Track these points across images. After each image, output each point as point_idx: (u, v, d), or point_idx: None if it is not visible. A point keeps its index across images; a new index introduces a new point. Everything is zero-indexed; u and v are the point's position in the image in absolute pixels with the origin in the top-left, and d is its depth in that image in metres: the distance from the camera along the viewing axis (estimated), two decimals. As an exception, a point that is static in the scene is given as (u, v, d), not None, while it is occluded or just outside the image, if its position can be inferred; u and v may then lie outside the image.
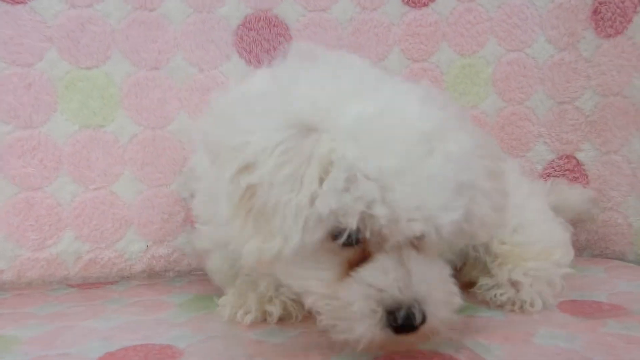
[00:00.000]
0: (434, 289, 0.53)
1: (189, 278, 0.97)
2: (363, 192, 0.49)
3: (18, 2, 0.90)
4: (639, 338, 0.61)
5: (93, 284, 0.94)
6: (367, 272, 0.53)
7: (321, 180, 0.50)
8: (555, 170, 1.07)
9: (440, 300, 0.54)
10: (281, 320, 0.69)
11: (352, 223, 0.49)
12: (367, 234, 0.51)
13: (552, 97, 1.07)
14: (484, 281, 0.75)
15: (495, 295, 0.73)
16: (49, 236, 0.93)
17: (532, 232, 0.77)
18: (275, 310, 0.69)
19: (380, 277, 0.52)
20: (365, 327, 0.51)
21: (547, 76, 1.07)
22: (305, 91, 0.54)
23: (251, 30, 0.99)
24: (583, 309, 0.71)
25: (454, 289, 0.56)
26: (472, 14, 1.06)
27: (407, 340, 0.53)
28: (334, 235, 0.52)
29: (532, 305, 0.71)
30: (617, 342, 0.60)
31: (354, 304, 0.52)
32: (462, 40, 1.07)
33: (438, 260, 0.58)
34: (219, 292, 0.76)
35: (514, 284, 0.72)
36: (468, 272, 0.79)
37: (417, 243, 0.55)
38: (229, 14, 0.98)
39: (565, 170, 1.07)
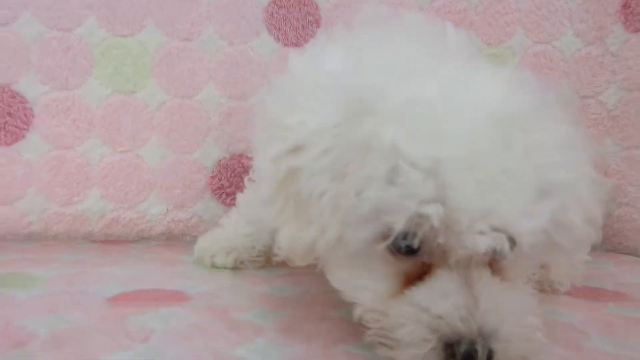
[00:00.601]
0: (508, 322, 0.42)
1: (206, 243, 1.00)
2: (411, 186, 0.40)
3: (63, -30, 0.95)
4: (638, 318, 0.61)
5: (114, 241, 0.98)
6: (423, 292, 0.44)
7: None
8: (575, 165, 1.07)
9: (515, 336, 0.42)
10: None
11: (398, 223, 0.41)
12: (417, 242, 0.43)
13: (577, 90, 1.07)
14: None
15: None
16: (77, 193, 0.98)
17: None
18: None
19: (438, 300, 0.42)
20: (414, 356, 0.42)
21: (573, 69, 1.07)
22: (372, 67, 0.48)
23: (282, 8, 1.02)
24: (587, 293, 0.72)
25: (536, 322, 0.44)
26: (501, 4, 1.07)
27: None
28: (385, 239, 0.43)
29: (560, 285, 0.70)
30: (615, 321, 0.60)
31: (403, 327, 0.43)
32: (489, 30, 1.07)
33: (519, 283, 0.48)
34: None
35: (543, 265, 0.69)
36: None
37: (491, 261, 0.45)
38: (260, -9, 1.01)
39: (586, 164, 1.06)
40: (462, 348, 0.40)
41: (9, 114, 0.95)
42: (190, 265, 0.81)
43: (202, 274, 0.76)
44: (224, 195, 1.02)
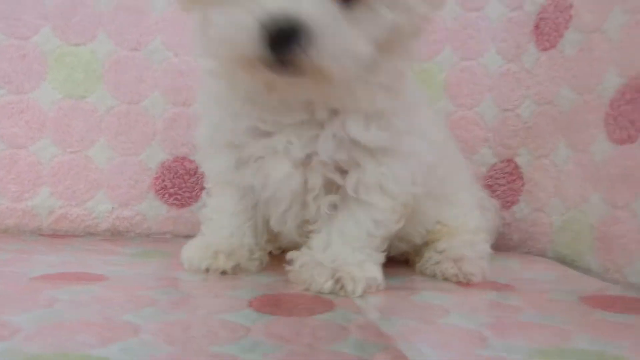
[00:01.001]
0: (325, 20, 0.53)
1: (148, 239, 1.07)
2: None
3: (18, -18, 1.04)
4: (504, 303, 0.69)
5: (62, 236, 1.05)
6: None
7: None
8: (497, 173, 1.16)
9: (330, 32, 0.53)
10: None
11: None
12: None
13: (498, 104, 1.16)
14: (429, 254, 0.83)
15: (443, 269, 0.80)
16: (27, 190, 1.05)
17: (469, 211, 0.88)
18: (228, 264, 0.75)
19: None
20: (240, 39, 0.53)
21: (496, 85, 1.16)
22: None
23: (224, 23, 1.10)
24: (478, 285, 0.79)
25: (358, 40, 0.56)
26: (429, 24, 1.16)
27: (289, 63, 0.53)
28: None
29: (473, 275, 0.79)
30: (480, 304, 0.68)
31: (233, 17, 0.54)
32: (418, 47, 1.16)
33: (358, 33, 0.57)
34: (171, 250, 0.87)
35: (458, 259, 0.80)
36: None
37: None
38: (204, 7, 1.10)
39: (505, 173, 1.15)
40: (273, 26, 0.52)
41: (-35, 114, 1.03)
42: (124, 257, 0.88)
43: (130, 262, 0.83)
44: (166, 196, 1.09)
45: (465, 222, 0.87)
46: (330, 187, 0.71)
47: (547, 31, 1.06)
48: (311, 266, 0.70)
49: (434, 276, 0.81)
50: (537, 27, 1.09)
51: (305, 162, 0.68)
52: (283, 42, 0.52)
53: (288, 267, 0.73)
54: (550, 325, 0.60)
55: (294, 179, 0.69)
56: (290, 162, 0.68)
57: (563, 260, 0.97)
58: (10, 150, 1.04)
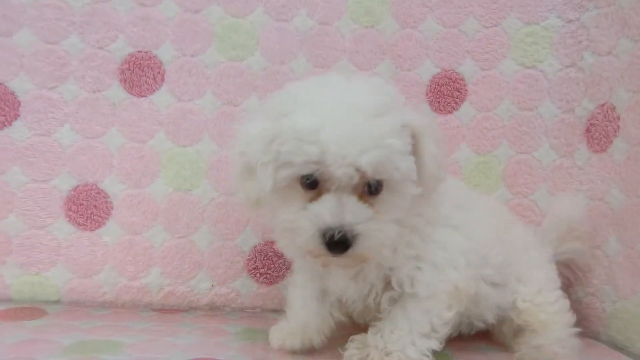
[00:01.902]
0: (366, 225, 0.72)
1: (242, 313, 1.23)
2: (305, 146, 0.71)
3: (141, 96, 1.23)
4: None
5: (169, 310, 1.22)
6: (313, 204, 0.74)
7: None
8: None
9: (367, 235, 0.72)
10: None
11: (301, 167, 0.73)
12: (313, 179, 0.74)
13: (552, 194, 1.29)
14: (526, 349, 0.96)
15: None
16: (142, 270, 1.23)
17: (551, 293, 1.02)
18: (317, 340, 0.93)
19: (320, 206, 0.73)
20: (304, 239, 0.73)
21: (549, 176, 1.29)
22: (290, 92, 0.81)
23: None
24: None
25: (391, 229, 0.76)
26: (488, 122, 1.31)
27: (341, 260, 0.74)
28: (300, 180, 0.75)
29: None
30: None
31: (299, 221, 0.74)
32: (478, 142, 1.31)
33: (387, 218, 0.76)
34: (263, 326, 1.02)
35: (555, 355, 0.94)
36: (501, 332, 1.02)
37: (366, 196, 0.75)
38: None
39: (560, 257, 1.26)
40: (329, 233, 0.71)
41: (95, 206, 1.22)
42: (231, 336, 1.04)
43: (241, 344, 0.99)
44: (257, 275, 1.26)
45: (545, 299, 1.00)
46: (387, 284, 0.87)
47: (597, 136, 1.19)
48: (366, 348, 0.86)
49: None
50: (587, 130, 1.22)
51: (356, 276, 0.86)
52: (336, 245, 0.72)
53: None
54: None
55: (351, 288, 0.88)
56: (345, 276, 0.87)
57: (615, 345, 1.08)
58: (129, 236, 1.22)
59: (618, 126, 1.12)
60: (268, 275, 1.26)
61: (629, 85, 1.10)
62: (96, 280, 1.21)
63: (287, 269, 1.26)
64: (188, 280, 1.24)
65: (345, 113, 0.74)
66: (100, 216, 1.22)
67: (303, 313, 0.94)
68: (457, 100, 1.31)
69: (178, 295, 1.24)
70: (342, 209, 0.72)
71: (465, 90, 1.31)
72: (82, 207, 1.22)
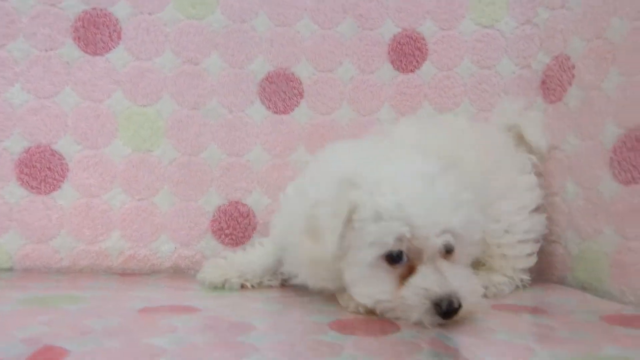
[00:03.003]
0: (464, 284, 0.76)
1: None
2: (390, 222, 0.75)
3: (97, 54, 1.19)
4: (540, 324, 0.82)
5: (131, 274, 1.18)
6: (415, 279, 0.76)
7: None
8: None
9: (469, 290, 0.76)
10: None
11: (388, 245, 0.75)
12: (403, 254, 0.76)
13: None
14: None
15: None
16: (101, 234, 1.18)
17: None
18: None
19: (424, 280, 0.75)
20: (418, 314, 0.75)
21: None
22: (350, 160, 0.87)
23: (272, 83, 1.26)
24: (509, 307, 0.92)
25: (477, 282, 0.81)
26: (449, 80, 1.32)
27: (452, 321, 0.76)
28: (387, 257, 0.77)
29: (502, 289, 1.01)
30: (522, 325, 0.81)
31: (409, 299, 0.75)
32: (440, 100, 1.32)
33: (464, 265, 0.82)
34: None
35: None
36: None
37: (446, 255, 0.79)
38: (255, 70, 1.25)
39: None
40: (444, 303, 0.73)
41: (49, 168, 1.16)
42: (197, 291, 1.01)
43: (209, 296, 0.96)
44: (222, 236, 1.23)
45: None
46: None
47: (552, 87, 1.22)
48: None
49: None
50: (543, 83, 1.25)
51: None
52: (451, 313, 0.74)
53: None
54: (582, 340, 0.73)
55: None
56: None
57: (582, 287, 1.10)
58: (86, 199, 1.18)
59: (573, 75, 1.15)
60: (233, 237, 1.23)
61: (584, 35, 1.13)
62: (51, 245, 1.16)
63: (253, 229, 1.24)
64: (150, 243, 1.20)
65: (420, 182, 0.77)
66: (54, 179, 1.17)
67: None
68: (418, 59, 1.32)
69: (139, 259, 1.19)
70: (444, 277, 0.75)
71: (426, 49, 1.32)
72: (35, 169, 1.16)
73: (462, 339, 0.70)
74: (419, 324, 0.75)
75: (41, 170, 1.16)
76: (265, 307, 0.87)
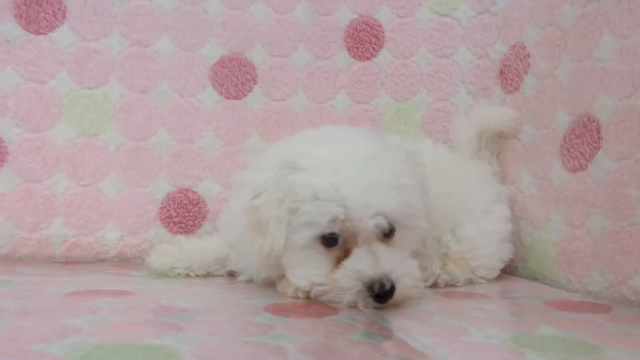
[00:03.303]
0: (398, 267, 0.75)
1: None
2: (325, 203, 0.73)
3: (40, 33, 1.15)
4: (482, 307, 0.80)
5: (74, 262, 1.13)
6: (348, 261, 0.75)
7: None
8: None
9: (404, 274, 0.75)
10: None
11: (323, 226, 0.74)
12: (337, 236, 0.75)
13: (470, 139, 1.30)
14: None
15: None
16: (42, 221, 1.13)
17: (473, 248, 1.03)
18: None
19: (357, 262, 0.74)
20: (351, 297, 0.73)
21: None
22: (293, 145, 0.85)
23: (224, 67, 1.23)
24: (456, 294, 0.91)
25: (414, 265, 0.78)
26: (406, 69, 1.31)
27: (386, 305, 0.73)
28: (322, 240, 0.76)
29: (457, 281, 0.98)
30: (462, 308, 0.79)
31: (341, 281, 0.74)
32: (397, 89, 1.31)
33: (404, 251, 0.79)
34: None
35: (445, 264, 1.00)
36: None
37: (384, 238, 0.77)
38: (207, 53, 1.22)
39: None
40: (376, 285, 0.72)
41: (-15, 151, 1.11)
42: (137, 277, 0.97)
43: (146, 281, 0.92)
44: (171, 224, 1.19)
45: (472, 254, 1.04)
46: None
47: (510, 77, 1.21)
48: None
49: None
50: (501, 72, 1.25)
51: None
52: (385, 295, 0.73)
53: None
54: (520, 321, 0.72)
55: None
56: None
57: (533, 277, 1.09)
58: (27, 185, 1.13)
59: (528, 63, 1.15)
60: (183, 225, 1.19)
61: (537, 22, 1.13)
62: (-12, 232, 1.11)
63: (204, 217, 1.20)
64: (95, 231, 1.15)
65: (355, 164, 0.76)
66: (-8, 162, 1.12)
67: None
68: (375, 46, 1.30)
69: (83, 247, 1.15)
70: (378, 259, 0.74)
71: (383, 37, 1.30)
72: (-28, 152, 1.11)
73: (399, 321, 0.69)
74: (353, 307, 0.73)
75: (-21, 153, 1.11)
76: (205, 291, 0.84)
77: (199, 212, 1.20)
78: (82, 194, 1.15)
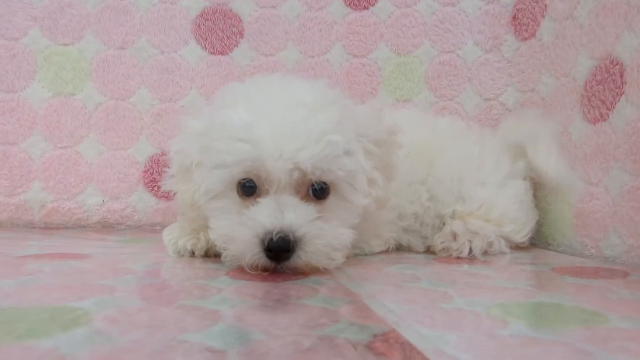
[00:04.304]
0: (307, 225, 0.64)
1: (138, 230, 1.10)
2: (239, 147, 0.65)
3: (11, -14, 1.08)
4: (476, 273, 0.71)
5: (54, 228, 1.08)
6: (250, 210, 0.65)
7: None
8: (478, 161, 1.18)
9: (315, 235, 0.64)
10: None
11: (237, 171, 0.66)
12: (256, 181, 0.67)
13: (480, 94, 1.19)
14: (437, 234, 0.88)
15: (437, 243, 0.86)
16: (20, 185, 1.08)
17: (491, 205, 0.90)
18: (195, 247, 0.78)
19: (256, 210, 0.64)
20: (244, 248, 0.63)
21: (475, 75, 1.19)
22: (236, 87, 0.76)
23: (208, 20, 1.14)
24: (454, 260, 0.82)
25: (336, 245, 0.67)
26: (408, 19, 1.20)
27: (285, 266, 0.63)
28: (238, 187, 0.68)
29: (460, 252, 0.83)
30: (453, 274, 0.70)
31: (236, 230, 0.65)
32: (398, 41, 1.20)
33: (333, 220, 0.69)
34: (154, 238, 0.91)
35: (453, 235, 0.85)
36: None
37: (305, 195, 0.68)
38: (189, 5, 1.13)
39: (486, 160, 1.17)
40: (269, 237, 0.62)
41: (-41, 113, 1.06)
42: (116, 243, 0.90)
43: (120, 246, 0.86)
44: (155, 188, 1.12)
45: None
46: None
47: (525, 22, 1.09)
48: None
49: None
50: (514, 18, 1.13)
51: None
52: (279, 252, 0.63)
53: None
54: (517, 288, 0.63)
55: None
56: None
57: (546, 242, 0.99)
58: (2, 147, 1.07)
59: (545, 5, 1.03)
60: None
61: (551, -42, 1.00)
62: (-36, 197, 1.06)
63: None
64: (75, 195, 1.10)
65: (281, 108, 0.67)
66: (-34, 124, 1.07)
67: None
68: (373, -6, 1.19)
69: (63, 212, 1.09)
70: (282, 210, 0.64)
71: (383, -17, 1.19)
72: (-56, 114, 1.06)
73: (372, 286, 0.60)
74: (254, 267, 0.64)
75: (-49, 115, 1.06)
76: (171, 258, 0.77)
77: (184, 176, 1.13)
78: (60, 156, 1.10)
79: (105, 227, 1.11)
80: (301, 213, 0.65)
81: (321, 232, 0.65)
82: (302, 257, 0.64)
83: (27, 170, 1.08)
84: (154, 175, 1.12)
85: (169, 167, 0.78)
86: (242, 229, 0.64)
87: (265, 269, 0.64)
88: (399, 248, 0.90)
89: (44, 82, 1.09)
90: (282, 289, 0.57)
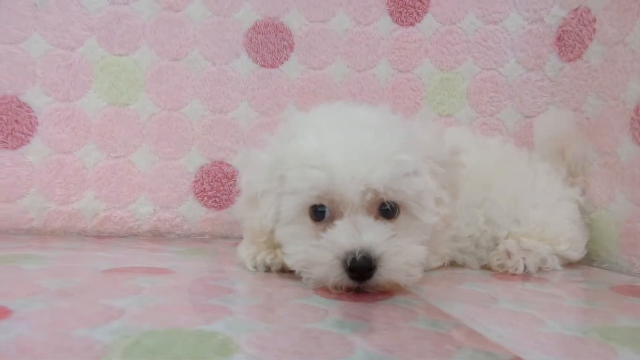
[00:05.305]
0: (385, 244, 0.66)
1: (188, 240, 1.12)
2: (313, 176, 0.68)
3: (68, -4, 1.09)
4: (544, 292, 0.74)
5: (106, 237, 1.10)
6: (327, 233, 0.68)
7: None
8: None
9: (393, 253, 0.66)
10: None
11: (311, 198, 0.69)
12: (325, 209, 0.70)
13: (520, 111, 1.22)
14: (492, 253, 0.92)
15: (493, 261, 0.90)
16: (73, 193, 1.09)
17: (545, 226, 0.94)
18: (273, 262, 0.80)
19: (334, 233, 0.67)
20: (326, 271, 0.66)
21: (516, 92, 1.22)
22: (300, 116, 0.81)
23: (259, 34, 1.16)
24: (512, 277, 0.85)
25: (413, 262, 0.69)
26: (452, 36, 1.23)
27: (367, 285, 0.66)
28: (310, 213, 0.70)
29: (515, 269, 0.87)
30: (521, 292, 0.73)
31: (315, 254, 0.67)
32: (442, 57, 1.23)
33: (406, 237, 0.70)
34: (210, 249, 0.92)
35: (508, 253, 0.89)
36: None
37: (377, 215, 0.70)
38: (241, 18, 1.15)
39: (526, 175, 1.20)
40: (350, 258, 0.64)
41: (16, 121, 1.07)
42: (171, 254, 0.93)
43: (183, 258, 0.88)
44: (205, 198, 1.14)
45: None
46: None
47: (570, 43, 1.12)
48: None
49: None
50: (559, 39, 1.16)
51: None
52: (361, 272, 0.64)
53: None
54: (593, 309, 0.66)
55: None
56: None
57: (589, 258, 1.02)
58: (57, 156, 1.09)
59: (594, 29, 1.06)
60: (217, 199, 1.15)
61: (602, -16, 1.04)
62: (20, 205, 1.08)
63: (238, 191, 1.15)
64: (127, 204, 1.12)
65: (349, 133, 0.70)
66: (23, 133, 1.08)
67: None
68: (419, 11, 1.22)
69: (116, 221, 1.11)
70: (359, 230, 0.66)
71: (428, 1, 1.22)
72: (1, 122, 1.07)
73: (459, 306, 0.63)
74: (337, 287, 0.66)
75: (8, 123, 1.07)
76: (246, 271, 0.79)
77: (234, 186, 1.15)
78: (113, 166, 1.11)
79: (156, 236, 1.13)
80: (378, 232, 0.67)
81: (399, 250, 0.67)
82: (383, 275, 0.65)
83: (81, 179, 1.10)
84: (204, 185, 1.14)
85: (239, 196, 0.82)
86: (321, 252, 0.66)
87: (348, 289, 0.66)
88: (452, 264, 0.93)
89: (100, 92, 1.10)
90: (381, 310, 0.60)
